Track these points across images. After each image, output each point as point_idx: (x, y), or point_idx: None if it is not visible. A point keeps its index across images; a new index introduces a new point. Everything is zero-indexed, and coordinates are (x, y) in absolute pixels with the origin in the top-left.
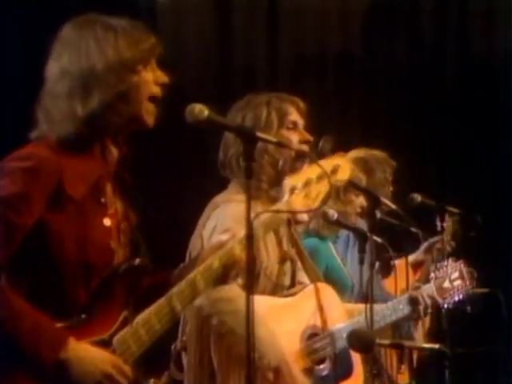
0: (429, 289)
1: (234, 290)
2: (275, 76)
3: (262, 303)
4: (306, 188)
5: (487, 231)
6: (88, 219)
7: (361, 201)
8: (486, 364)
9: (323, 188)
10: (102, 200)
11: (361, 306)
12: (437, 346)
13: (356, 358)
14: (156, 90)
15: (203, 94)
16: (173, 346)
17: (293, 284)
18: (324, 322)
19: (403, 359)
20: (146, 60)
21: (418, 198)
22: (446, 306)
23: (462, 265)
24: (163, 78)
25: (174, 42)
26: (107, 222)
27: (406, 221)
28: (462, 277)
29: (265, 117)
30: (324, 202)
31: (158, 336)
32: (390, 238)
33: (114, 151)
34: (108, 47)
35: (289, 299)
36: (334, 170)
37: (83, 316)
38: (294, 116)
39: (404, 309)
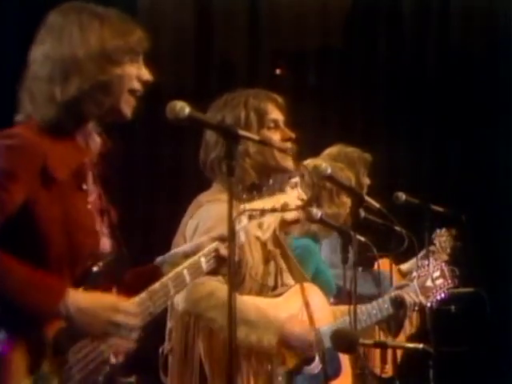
0: (412, 287)
1: (210, 284)
2: (255, 73)
3: (252, 302)
4: (261, 217)
5: (471, 230)
6: (71, 203)
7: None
8: (470, 363)
9: (273, 221)
10: (84, 187)
11: (345, 308)
12: (421, 345)
13: (344, 357)
14: (137, 85)
15: (182, 90)
16: (160, 350)
17: (276, 284)
18: (310, 319)
19: (387, 359)
20: (132, 53)
21: (402, 196)
22: (428, 304)
23: (444, 264)
24: (147, 75)
25: (153, 39)
26: (90, 207)
27: (389, 220)
28: (443, 275)
29: (244, 118)
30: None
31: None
32: (373, 236)
33: (98, 141)
34: (92, 36)
35: (275, 299)
36: (284, 208)
37: None
38: (274, 114)
39: (389, 308)
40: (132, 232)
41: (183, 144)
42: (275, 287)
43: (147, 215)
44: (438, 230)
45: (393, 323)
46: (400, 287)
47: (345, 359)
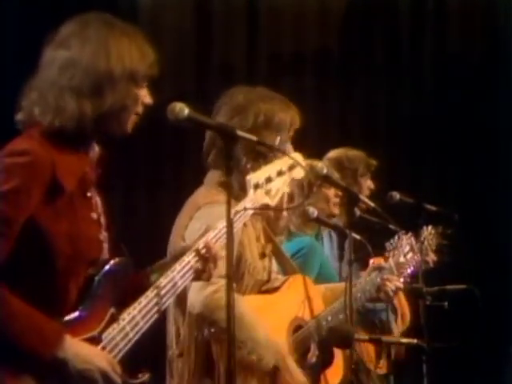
0: (389, 268)
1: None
2: (254, 74)
3: (251, 303)
4: (268, 185)
5: (464, 228)
6: (77, 212)
7: (335, 191)
8: (462, 358)
9: (282, 185)
10: (88, 194)
11: (333, 287)
12: (415, 340)
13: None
14: (140, 108)
15: (182, 92)
16: (170, 353)
17: (269, 278)
18: (312, 311)
19: (381, 354)
20: (148, 76)
21: (396, 195)
22: (402, 280)
23: (412, 238)
24: (148, 99)
25: (153, 40)
26: (94, 215)
27: (384, 218)
28: (412, 250)
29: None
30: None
31: (142, 333)
32: (369, 235)
33: (97, 149)
34: (125, 54)
35: (272, 295)
36: (292, 168)
37: (74, 314)
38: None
39: (371, 290)
40: (134, 232)
41: (185, 145)
42: (267, 281)
43: (149, 216)
44: (424, 228)
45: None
46: (378, 268)
47: (337, 349)
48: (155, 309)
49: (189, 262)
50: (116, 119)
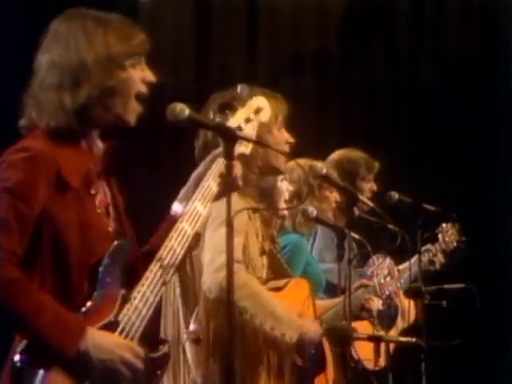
0: (373, 286)
1: (244, 275)
2: (254, 74)
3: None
4: (249, 124)
5: (464, 228)
6: (84, 208)
7: (335, 196)
8: (461, 357)
9: (252, 131)
10: (92, 191)
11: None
12: (413, 339)
13: (327, 355)
14: (142, 88)
15: (182, 92)
16: (183, 337)
17: (267, 278)
18: (314, 311)
19: (380, 352)
20: (135, 57)
21: (395, 195)
22: (381, 301)
23: (388, 260)
24: (151, 77)
25: (153, 40)
26: (98, 212)
27: (383, 218)
28: (389, 272)
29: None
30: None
31: (153, 308)
32: (367, 235)
33: (100, 145)
34: (97, 41)
35: (280, 293)
36: (257, 111)
37: (89, 304)
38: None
39: (355, 306)
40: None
41: (183, 146)
42: (266, 281)
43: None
44: (443, 225)
45: (386, 319)
46: (363, 286)
47: (328, 356)
48: (161, 281)
49: (183, 228)
50: (101, 105)
